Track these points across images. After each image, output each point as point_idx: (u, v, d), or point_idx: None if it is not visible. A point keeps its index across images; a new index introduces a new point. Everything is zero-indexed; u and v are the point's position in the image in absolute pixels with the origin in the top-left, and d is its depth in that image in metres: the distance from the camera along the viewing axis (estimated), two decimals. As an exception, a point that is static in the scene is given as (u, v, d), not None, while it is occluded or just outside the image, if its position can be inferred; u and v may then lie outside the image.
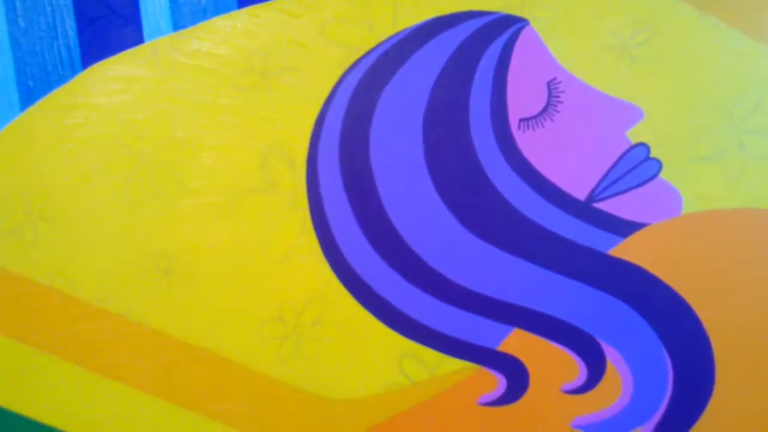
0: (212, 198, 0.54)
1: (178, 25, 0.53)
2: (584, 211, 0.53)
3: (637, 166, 0.52)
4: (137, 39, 0.53)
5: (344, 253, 0.55)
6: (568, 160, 0.53)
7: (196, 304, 0.56)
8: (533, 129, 0.53)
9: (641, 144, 0.52)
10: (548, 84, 0.52)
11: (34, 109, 0.53)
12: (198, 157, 0.54)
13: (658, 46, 0.52)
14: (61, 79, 0.53)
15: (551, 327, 0.54)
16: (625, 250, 0.53)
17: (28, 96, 0.53)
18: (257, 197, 0.54)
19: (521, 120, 0.52)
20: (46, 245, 0.55)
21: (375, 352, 0.55)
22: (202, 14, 0.52)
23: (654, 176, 0.52)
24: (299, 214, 0.54)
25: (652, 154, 0.52)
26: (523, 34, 0.52)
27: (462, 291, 0.54)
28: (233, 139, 0.54)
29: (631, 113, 0.52)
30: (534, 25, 0.52)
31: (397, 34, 0.53)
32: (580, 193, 0.53)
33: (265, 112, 0.53)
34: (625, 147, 0.52)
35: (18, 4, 0.51)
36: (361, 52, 0.53)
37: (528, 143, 0.53)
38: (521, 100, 0.52)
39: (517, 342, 0.54)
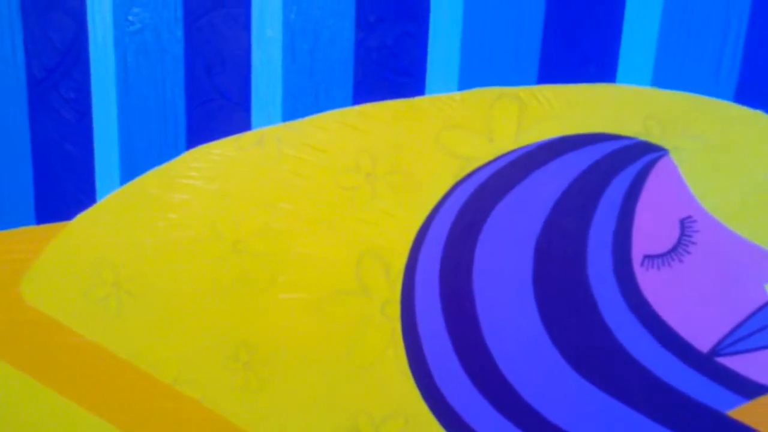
0: (301, 294, 0.53)
1: (288, 115, 0.52)
2: (705, 364, 0.49)
3: (775, 324, 0.48)
4: (245, 125, 0.52)
5: (432, 373, 0.52)
6: (694, 307, 0.49)
7: (272, 401, 0.55)
8: (658, 268, 0.49)
9: (782, 300, 0.48)
10: (681, 221, 0.49)
11: (135, 184, 0.54)
12: (292, 251, 0.53)
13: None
14: (164, 157, 0.53)
15: (654, 486, 0.50)
16: (749, 413, 0.49)
17: (130, 169, 0.53)
18: (348, 300, 0.53)
19: (646, 257, 0.49)
20: (129, 320, 0.55)
21: (455, 484, 0.52)
22: (314, 107, 0.51)
23: (793, 338, 0.48)
24: (389, 324, 0.52)
25: (793, 314, 0.48)
26: (660, 164, 0.49)
27: (559, 432, 0.50)
28: (330, 238, 0.52)
29: (774, 265, 0.48)
30: (673, 155, 0.49)
31: (518, 149, 0.50)
32: (703, 345, 0.49)
33: (367, 215, 0.52)
34: (763, 301, 0.48)
35: (130, 79, 0.50)
36: (478, 164, 0.50)
37: (651, 283, 0.49)
38: (649, 235, 0.49)
39: (613, 497, 0.50)
